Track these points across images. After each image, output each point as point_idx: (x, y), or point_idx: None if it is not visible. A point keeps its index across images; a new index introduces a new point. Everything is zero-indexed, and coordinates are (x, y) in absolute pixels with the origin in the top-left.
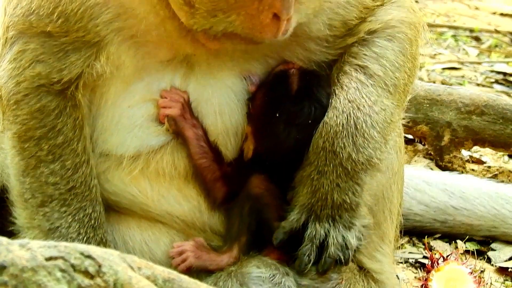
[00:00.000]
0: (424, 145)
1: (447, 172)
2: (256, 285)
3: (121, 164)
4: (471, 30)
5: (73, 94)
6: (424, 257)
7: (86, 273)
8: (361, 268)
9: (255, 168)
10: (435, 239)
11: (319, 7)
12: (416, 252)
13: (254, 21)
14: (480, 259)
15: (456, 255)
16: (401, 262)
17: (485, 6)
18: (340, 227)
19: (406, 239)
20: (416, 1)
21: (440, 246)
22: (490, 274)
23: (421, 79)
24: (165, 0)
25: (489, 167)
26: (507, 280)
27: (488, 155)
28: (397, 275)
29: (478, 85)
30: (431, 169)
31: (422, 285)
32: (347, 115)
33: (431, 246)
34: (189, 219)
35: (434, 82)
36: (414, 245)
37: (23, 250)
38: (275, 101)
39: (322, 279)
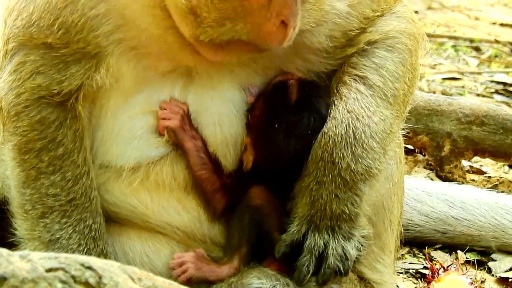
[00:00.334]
0: (424, 155)
1: (447, 183)
2: None
3: (121, 175)
4: (471, 40)
5: (73, 106)
6: (425, 267)
7: (86, 284)
8: (362, 279)
9: (254, 179)
10: (435, 249)
11: (320, 16)
12: (416, 263)
13: (261, 29)
14: (481, 270)
15: (456, 265)
16: (402, 273)
17: (485, 16)
18: (340, 237)
19: (407, 249)
20: (416, 12)
21: (440, 256)
22: (490, 284)
23: (421, 89)
24: (166, 11)
25: (490, 177)
26: None
27: (488, 165)
28: (397, 286)
29: (478, 95)
30: (432, 179)
31: None
32: (346, 125)
33: (432, 257)
34: (189, 230)
35: (434, 93)
36: (414, 255)
37: (24, 261)
38: (274, 112)
39: None
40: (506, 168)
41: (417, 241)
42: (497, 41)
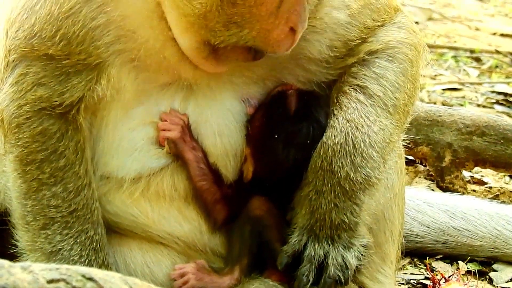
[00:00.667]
0: (425, 166)
1: (448, 193)
2: None
3: (122, 186)
4: (472, 51)
5: (75, 117)
6: (426, 278)
7: None
8: None
9: (255, 189)
10: (436, 260)
11: (321, 26)
12: (417, 273)
13: (269, 35)
14: (482, 280)
15: (457, 276)
16: (403, 283)
17: (485, 27)
18: (339, 247)
19: (408, 260)
20: (416, 22)
21: (441, 267)
22: None
23: (421, 100)
24: (166, 24)
25: (490, 187)
26: None
27: (489, 176)
28: None
29: (479, 105)
30: (432, 190)
31: None
32: (345, 135)
33: (433, 267)
34: (190, 240)
35: (434, 103)
36: (415, 266)
37: (25, 272)
38: (273, 122)
39: None
40: (507, 178)
41: (418, 252)
42: (497, 52)
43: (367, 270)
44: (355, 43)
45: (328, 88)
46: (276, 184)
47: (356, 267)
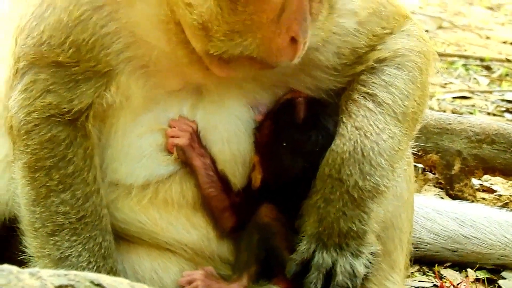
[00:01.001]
0: (434, 174)
1: (457, 201)
2: None
3: (131, 193)
4: (482, 59)
5: (83, 124)
6: (435, 285)
7: None
8: None
9: (263, 197)
10: (445, 267)
11: (329, 34)
12: (426, 281)
13: (271, 44)
14: None
15: (466, 283)
16: None
17: (495, 35)
18: (348, 255)
19: (417, 267)
20: (427, 31)
21: (450, 274)
22: None
23: (431, 108)
24: (179, 26)
25: (500, 195)
26: None
27: (498, 183)
28: None
29: (488, 114)
30: (442, 198)
31: None
32: (354, 142)
33: (442, 275)
34: (198, 247)
35: (444, 111)
36: (424, 273)
37: (34, 278)
38: (282, 130)
39: None
40: None
41: (427, 259)
42: (508, 60)
43: (375, 277)
44: (363, 51)
45: (337, 96)
46: (284, 192)
47: (365, 275)
